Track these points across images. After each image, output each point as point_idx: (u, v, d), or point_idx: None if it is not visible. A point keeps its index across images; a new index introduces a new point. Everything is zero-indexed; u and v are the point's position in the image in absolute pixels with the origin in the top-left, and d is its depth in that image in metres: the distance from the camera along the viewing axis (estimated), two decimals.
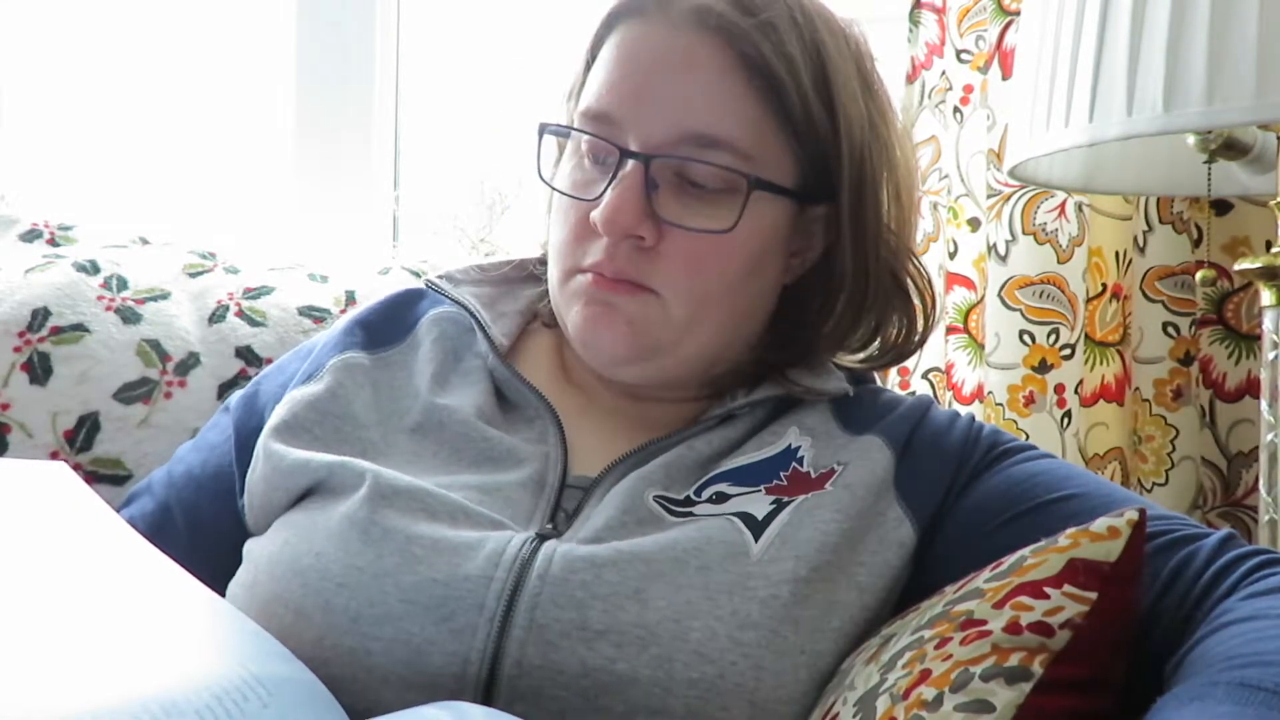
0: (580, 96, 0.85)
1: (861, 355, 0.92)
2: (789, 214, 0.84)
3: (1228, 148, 1.16)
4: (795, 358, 0.88)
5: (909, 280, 0.89)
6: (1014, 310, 1.31)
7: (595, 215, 0.79)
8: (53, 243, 1.15)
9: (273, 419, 0.84)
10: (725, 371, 0.87)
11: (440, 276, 0.92)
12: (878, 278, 0.87)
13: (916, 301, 0.90)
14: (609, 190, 0.79)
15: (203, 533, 0.85)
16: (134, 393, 1.04)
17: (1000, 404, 1.31)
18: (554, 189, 0.84)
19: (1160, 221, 1.36)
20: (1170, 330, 1.36)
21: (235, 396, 0.92)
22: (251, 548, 0.80)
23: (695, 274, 0.81)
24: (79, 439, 1.02)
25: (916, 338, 0.91)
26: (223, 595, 0.75)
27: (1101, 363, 1.36)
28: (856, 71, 0.84)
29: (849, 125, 0.83)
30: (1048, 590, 0.62)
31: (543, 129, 0.85)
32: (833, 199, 0.84)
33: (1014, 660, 0.60)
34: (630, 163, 0.79)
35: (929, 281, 0.91)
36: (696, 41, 0.80)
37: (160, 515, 0.87)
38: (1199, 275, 1.15)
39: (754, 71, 0.80)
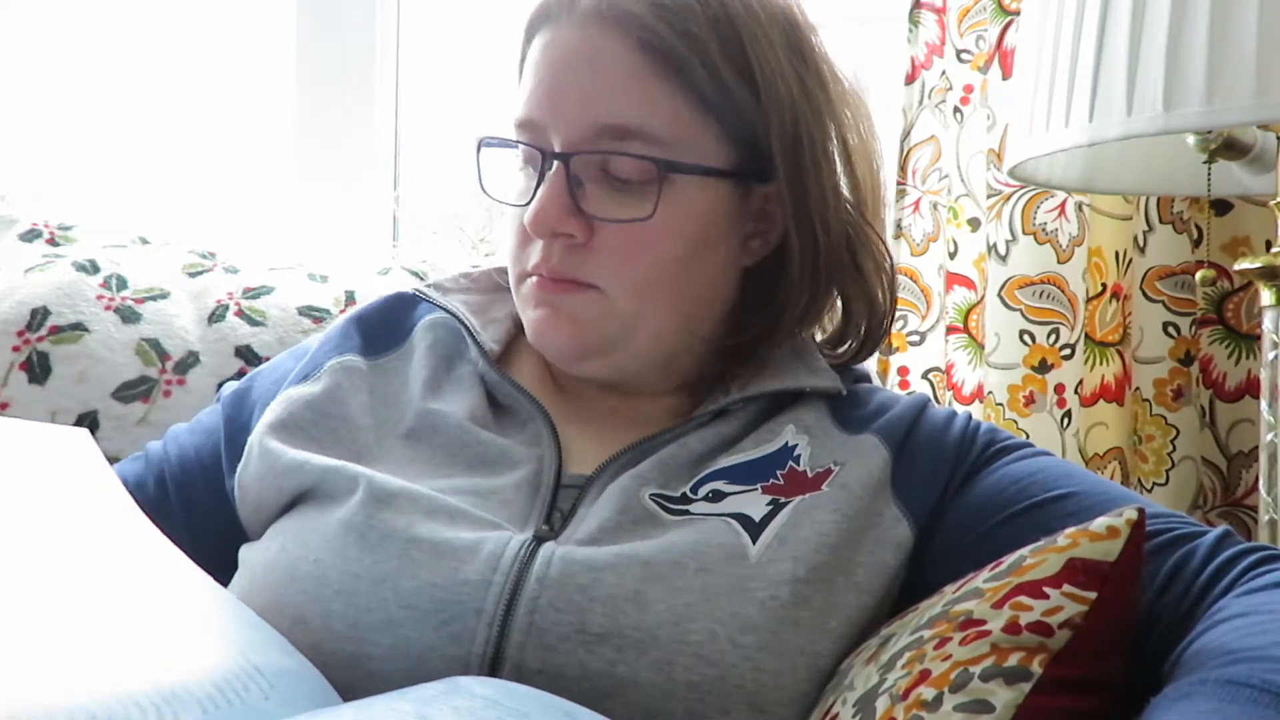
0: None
1: (845, 346, 0.92)
2: (729, 195, 0.84)
3: (1228, 148, 1.16)
4: (758, 340, 0.88)
5: (868, 252, 0.88)
6: (1014, 310, 1.31)
7: (524, 217, 0.81)
8: (52, 242, 1.15)
9: (268, 416, 0.84)
10: (690, 362, 0.87)
11: (429, 285, 0.93)
12: (830, 249, 0.86)
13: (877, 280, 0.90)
14: (537, 193, 0.81)
15: (197, 516, 0.87)
16: (133, 392, 1.04)
17: (1000, 404, 1.31)
18: (493, 199, 0.86)
19: (1160, 221, 1.36)
20: (1170, 330, 1.36)
21: (229, 388, 0.93)
22: (247, 555, 0.80)
23: (630, 264, 0.81)
24: None
25: (881, 314, 0.91)
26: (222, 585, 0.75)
27: (1101, 362, 1.36)
28: (783, 40, 0.83)
29: (773, 94, 0.82)
30: (1047, 590, 0.62)
31: (481, 143, 0.87)
32: (753, 171, 0.84)
33: (1013, 660, 0.60)
34: (554, 163, 0.80)
35: (890, 258, 0.91)
36: (598, 36, 0.81)
37: (157, 490, 0.88)
38: (1199, 275, 1.15)
39: (657, 56, 0.80)
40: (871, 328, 0.91)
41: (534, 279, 0.83)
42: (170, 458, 0.89)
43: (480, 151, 0.87)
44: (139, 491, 0.85)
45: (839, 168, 0.87)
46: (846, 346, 0.92)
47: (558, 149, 0.81)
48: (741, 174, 0.84)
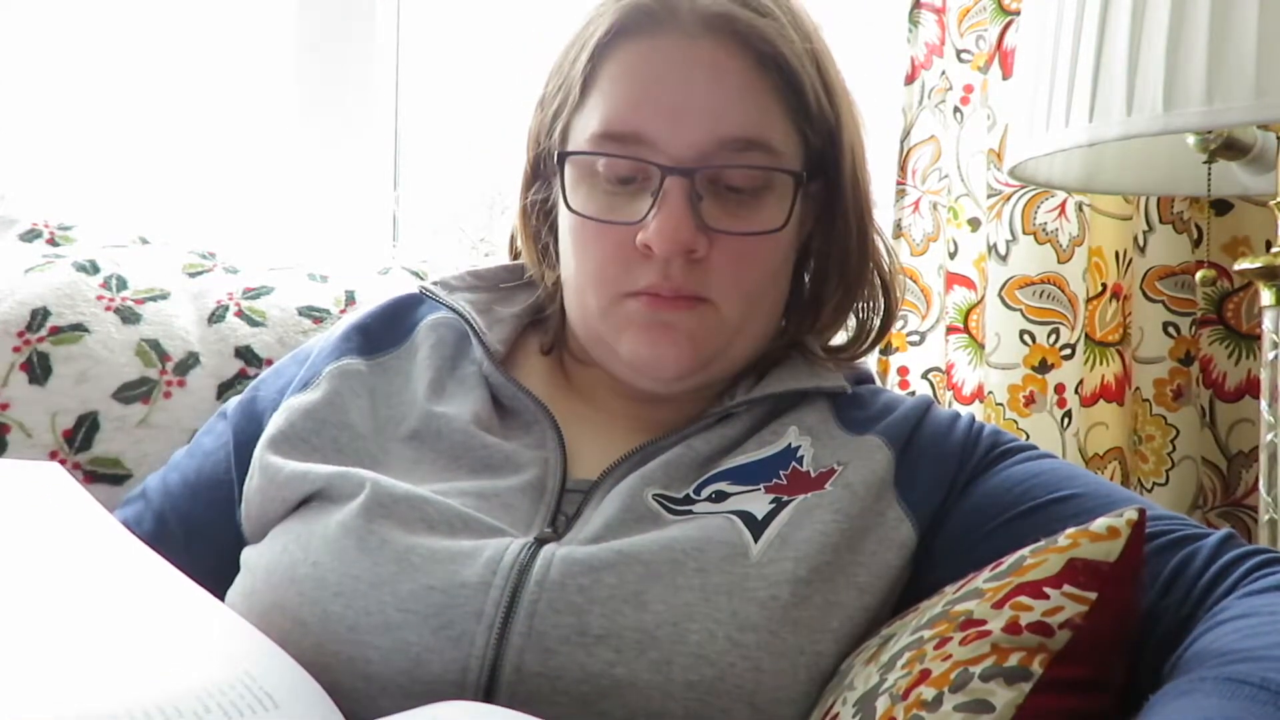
0: (579, 118, 0.83)
1: (845, 339, 0.94)
2: (802, 199, 0.86)
3: (1228, 148, 1.16)
4: (807, 331, 0.91)
5: (881, 252, 0.92)
6: (1014, 310, 1.31)
7: (646, 238, 0.79)
8: (52, 243, 1.15)
9: (269, 429, 0.83)
10: (759, 359, 0.89)
11: (436, 283, 0.92)
12: (869, 244, 0.90)
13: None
14: (655, 211, 0.79)
15: (200, 540, 0.85)
16: (133, 392, 1.04)
17: (1000, 404, 1.31)
18: (581, 215, 0.82)
19: (1160, 221, 1.36)
20: (1170, 330, 1.36)
21: (232, 403, 0.92)
22: (249, 556, 0.80)
23: (745, 275, 0.82)
24: (78, 438, 1.02)
25: (893, 308, 0.93)
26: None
27: (1101, 363, 1.36)
28: (831, 59, 0.87)
29: (845, 107, 0.86)
30: (1047, 590, 0.62)
31: (563, 158, 0.83)
32: (822, 175, 0.87)
33: (1013, 660, 0.60)
34: (671, 179, 0.78)
35: (894, 257, 0.94)
36: (716, 47, 0.80)
37: (156, 525, 0.86)
38: (1199, 275, 1.15)
39: (773, 68, 0.81)
40: (881, 323, 0.93)
41: (641, 298, 0.81)
42: (171, 488, 0.88)
43: (564, 167, 0.83)
44: (136, 528, 0.84)
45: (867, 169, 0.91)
46: (852, 340, 0.94)
47: (667, 162, 0.79)
48: (809, 176, 0.85)
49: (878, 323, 0.93)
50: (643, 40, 0.81)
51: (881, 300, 0.93)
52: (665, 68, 0.80)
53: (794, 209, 0.82)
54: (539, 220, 0.91)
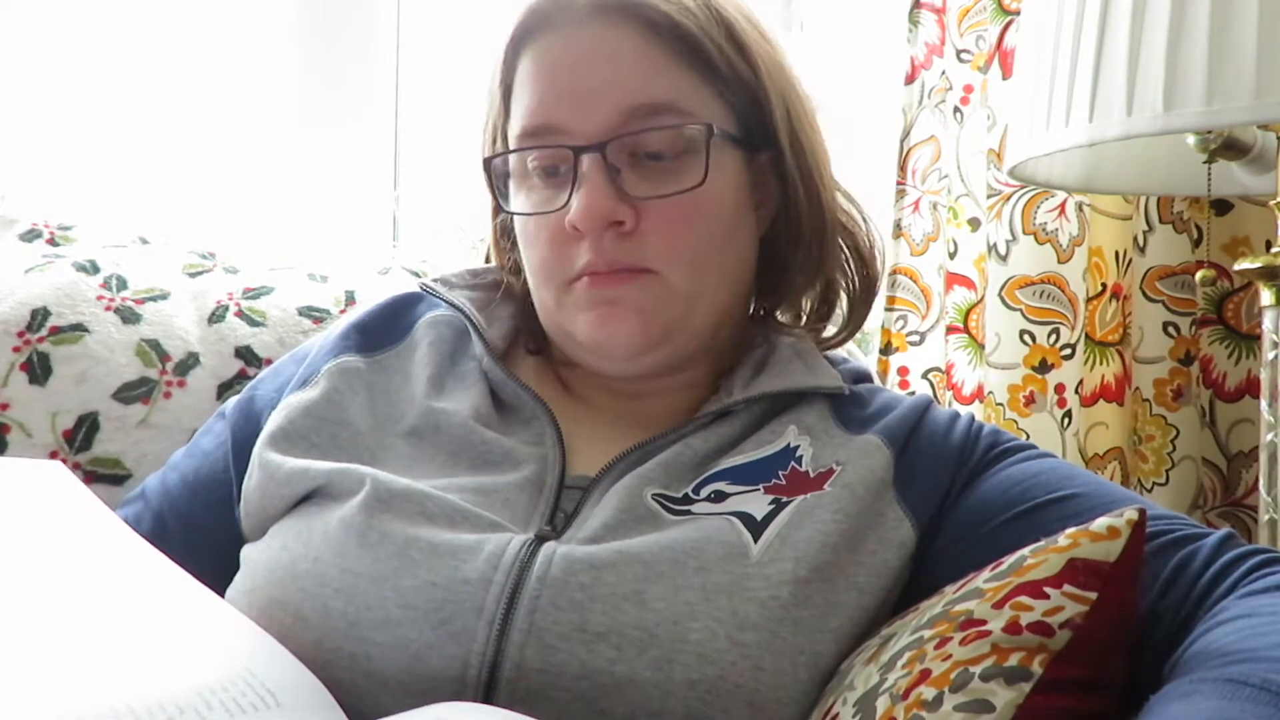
0: (507, 125, 0.87)
1: (833, 329, 0.94)
2: (744, 164, 0.86)
3: (1228, 148, 1.16)
4: (780, 301, 0.92)
5: (852, 217, 0.92)
6: (1014, 310, 1.32)
7: (570, 217, 0.80)
8: (52, 243, 1.15)
9: (268, 427, 0.84)
10: (728, 333, 0.89)
11: (435, 280, 0.93)
12: (830, 208, 0.90)
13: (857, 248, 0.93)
14: (575, 191, 0.80)
15: (200, 540, 0.85)
16: (133, 393, 1.04)
17: (1000, 404, 1.31)
18: (517, 214, 0.85)
19: (1160, 221, 1.36)
20: (1170, 330, 1.36)
21: (230, 403, 0.92)
22: (249, 553, 0.80)
23: (682, 239, 0.82)
24: (78, 439, 1.02)
25: (868, 279, 0.93)
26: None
27: (1101, 362, 1.37)
28: (748, 21, 0.87)
29: (766, 67, 0.86)
30: (1047, 590, 0.62)
31: (487, 164, 0.86)
32: (771, 144, 0.87)
33: (1014, 660, 0.60)
34: (585, 157, 0.80)
35: (866, 221, 0.94)
36: (606, 27, 0.82)
37: (155, 525, 0.86)
38: (1199, 275, 1.15)
39: (668, 35, 0.82)
40: (861, 294, 0.93)
41: (585, 280, 0.82)
42: (170, 489, 0.88)
43: (489, 172, 0.86)
44: (136, 528, 0.84)
45: (819, 136, 0.91)
46: (831, 320, 0.94)
47: (581, 142, 0.81)
48: (750, 142, 0.86)
49: (857, 292, 0.93)
50: (541, 39, 0.84)
51: (859, 270, 0.93)
52: (562, 59, 0.83)
53: (708, 161, 0.82)
54: (504, 238, 0.95)
